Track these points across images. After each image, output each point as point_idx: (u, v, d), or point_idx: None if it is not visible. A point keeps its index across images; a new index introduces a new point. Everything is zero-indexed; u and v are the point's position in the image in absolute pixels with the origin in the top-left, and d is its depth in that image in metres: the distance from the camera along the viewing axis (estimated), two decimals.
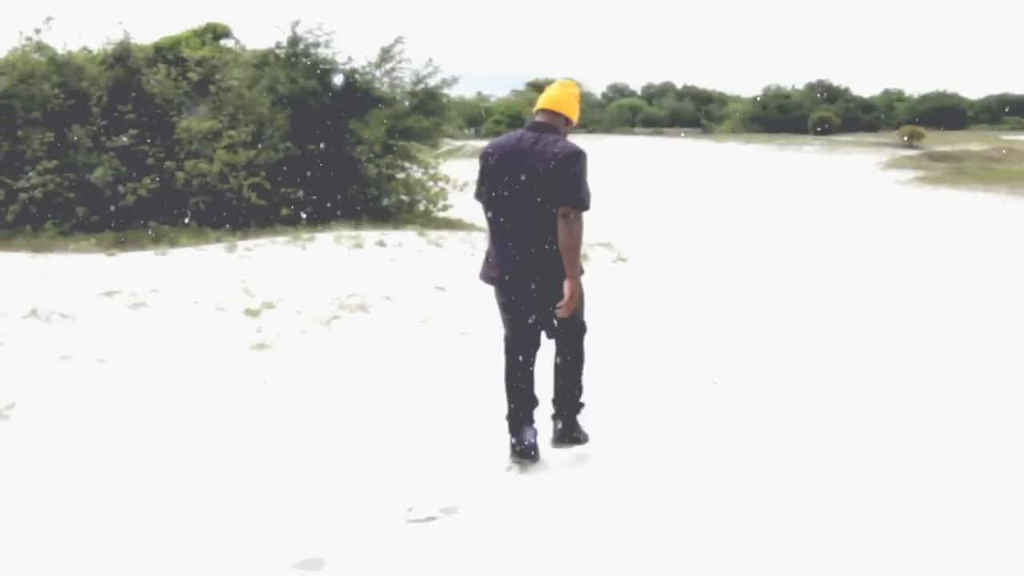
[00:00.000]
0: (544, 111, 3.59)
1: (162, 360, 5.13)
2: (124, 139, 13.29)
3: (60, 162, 12.89)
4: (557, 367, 3.66)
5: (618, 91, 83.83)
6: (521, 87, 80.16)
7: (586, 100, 75.66)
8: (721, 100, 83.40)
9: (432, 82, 16.45)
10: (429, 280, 7.93)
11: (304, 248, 9.23)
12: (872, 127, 71.61)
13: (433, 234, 10.94)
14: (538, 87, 78.10)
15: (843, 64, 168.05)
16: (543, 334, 3.66)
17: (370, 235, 10.33)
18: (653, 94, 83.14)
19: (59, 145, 13.18)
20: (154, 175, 13.27)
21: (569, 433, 3.68)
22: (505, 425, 3.66)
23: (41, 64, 13.60)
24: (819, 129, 67.28)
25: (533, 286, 3.46)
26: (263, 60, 14.54)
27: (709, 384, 4.87)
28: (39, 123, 13.42)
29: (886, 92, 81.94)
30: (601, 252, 10.34)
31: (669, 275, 9.64)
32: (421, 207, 16.26)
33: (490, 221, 3.58)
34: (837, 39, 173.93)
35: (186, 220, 13.39)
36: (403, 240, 10.04)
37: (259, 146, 14.14)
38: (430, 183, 16.61)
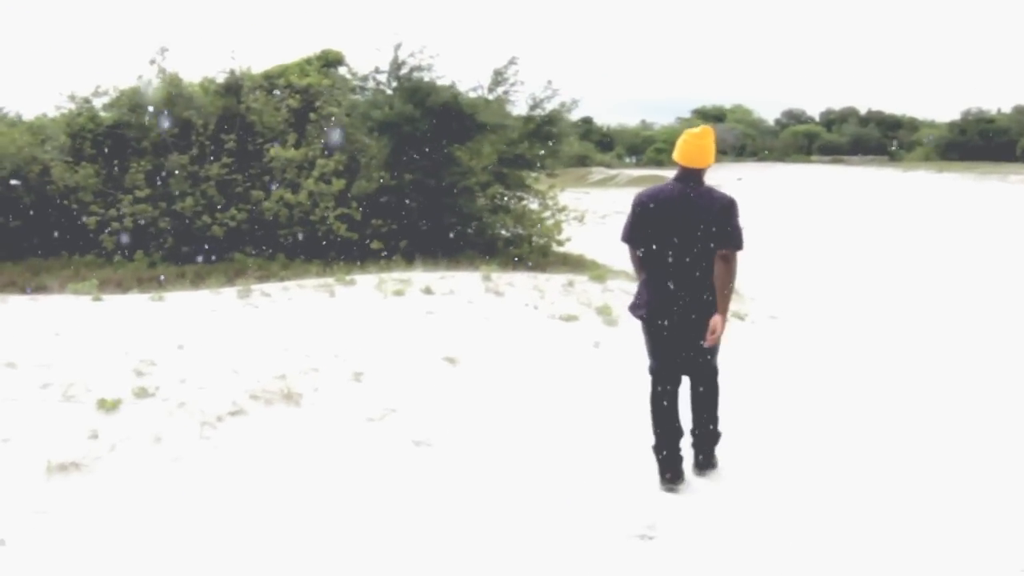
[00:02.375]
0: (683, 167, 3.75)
1: None
2: (216, 168, 12.64)
3: (154, 192, 12.43)
4: (694, 402, 3.91)
5: (793, 117, 78.01)
6: (687, 114, 76.89)
7: (757, 127, 71.85)
8: (912, 125, 75.32)
9: (550, 106, 14.74)
10: (442, 346, 6.09)
11: (332, 295, 7.71)
12: None
13: (506, 277, 9.09)
14: (705, 115, 74.68)
15: None
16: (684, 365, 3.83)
17: (427, 278, 8.66)
18: (833, 120, 76.52)
19: (157, 174, 12.76)
20: (242, 205, 12.48)
21: (708, 461, 3.98)
22: (651, 457, 3.87)
23: (149, 94, 13.32)
24: None
25: (682, 321, 3.68)
26: (361, 86, 13.45)
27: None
28: (146, 153, 13.12)
29: None
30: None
31: (802, 339, 7.23)
32: (536, 241, 14.41)
33: (644, 262, 3.82)
34: None
35: (271, 253, 12.49)
36: (457, 286, 8.27)
37: (354, 176, 13.03)
38: (546, 215, 14.82)
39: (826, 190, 34.40)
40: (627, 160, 61.39)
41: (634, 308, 3.93)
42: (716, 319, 3.59)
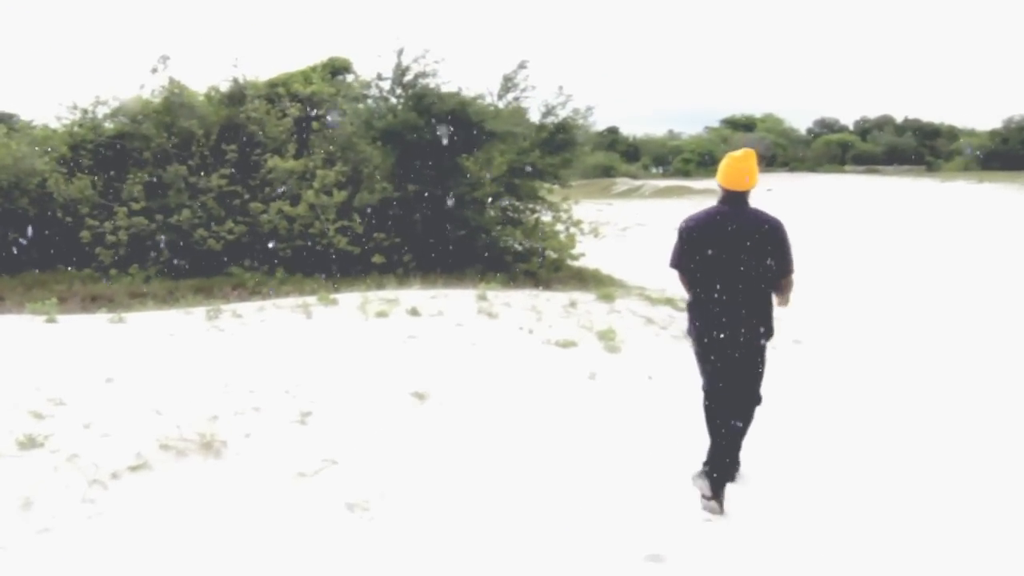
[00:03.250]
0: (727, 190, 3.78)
1: None
2: (215, 179, 12.14)
3: (150, 204, 11.96)
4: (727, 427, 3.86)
5: (826, 126, 76.06)
6: (716, 123, 75.36)
7: (787, 136, 69.89)
8: (951, 134, 72.97)
9: (563, 113, 14.01)
10: (414, 378, 5.38)
11: (309, 316, 7.05)
12: None
13: (504, 296, 8.36)
14: (735, 124, 73.21)
15: None
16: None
17: (418, 297, 7.97)
18: (867, 128, 74.46)
19: (156, 186, 12.29)
20: (240, 218, 11.96)
21: (719, 487, 3.79)
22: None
23: (150, 104, 12.89)
24: None
25: (729, 344, 3.70)
26: (365, 93, 12.86)
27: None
28: (147, 164, 12.68)
29: None
30: None
31: (826, 367, 6.39)
32: (548, 255, 13.63)
33: (694, 285, 3.83)
34: None
35: (270, 267, 11.93)
36: (448, 307, 7.56)
37: (357, 187, 12.44)
38: (559, 228, 14.07)
39: (859, 202, 33.09)
40: (653, 171, 60.28)
41: (689, 329, 3.97)
42: (784, 283, 3.69)
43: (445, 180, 12.61)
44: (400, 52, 12.65)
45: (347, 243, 11.86)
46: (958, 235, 21.21)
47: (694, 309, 3.84)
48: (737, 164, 3.72)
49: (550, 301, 8.21)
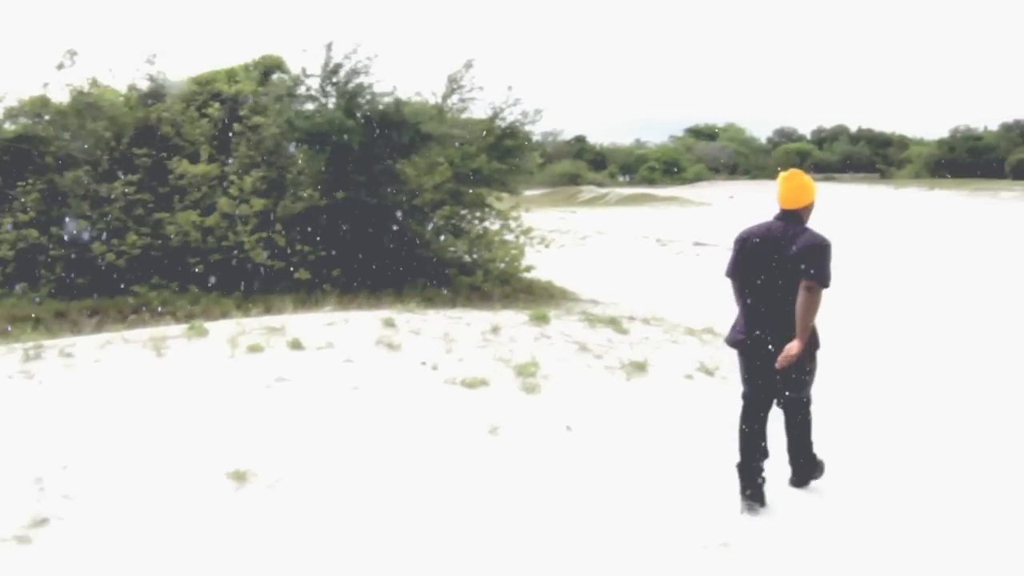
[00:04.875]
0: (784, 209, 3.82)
1: None
2: (120, 186, 10.49)
3: (43, 214, 10.28)
4: (787, 430, 3.95)
5: (785, 135, 75.49)
6: (680, 133, 74.30)
7: (749, 145, 69.75)
8: (902, 143, 72.81)
9: (511, 116, 12.55)
10: (243, 448, 3.87)
11: (160, 354, 5.48)
12: None
13: (417, 319, 6.86)
14: (698, 133, 72.37)
15: None
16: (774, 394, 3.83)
17: (311, 324, 6.46)
18: (824, 138, 74.03)
19: (54, 195, 10.61)
20: (145, 230, 10.32)
21: (801, 480, 3.99)
22: (734, 476, 3.77)
23: (52, 105, 11.21)
24: (1018, 174, 56.19)
25: (767, 351, 3.65)
26: (291, 92, 11.28)
27: None
28: (49, 169, 10.98)
29: None
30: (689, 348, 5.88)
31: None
32: (496, 267, 12.11)
33: (742, 294, 3.83)
34: None
35: (181, 285, 10.30)
36: (342, 336, 6.05)
37: (283, 194, 10.86)
38: (509, 237, 12.59)
39: (818, 208, 32.12)
40: (620, 179, 59.06)
41: (729, 338, 3.98)
42: (793, 344, 3.56)
43: (379, 187, 11.07)
44: (330, 47, 11.13)
45: (267, 257, 10.26)
46: (920, 238, 20.15)
47: (741, 316, 3.85)
48: (783, 184, 3.79)
49: (470, 326, 6.73)
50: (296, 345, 5.72)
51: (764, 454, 3.79)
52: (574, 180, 49.34)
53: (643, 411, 5.17)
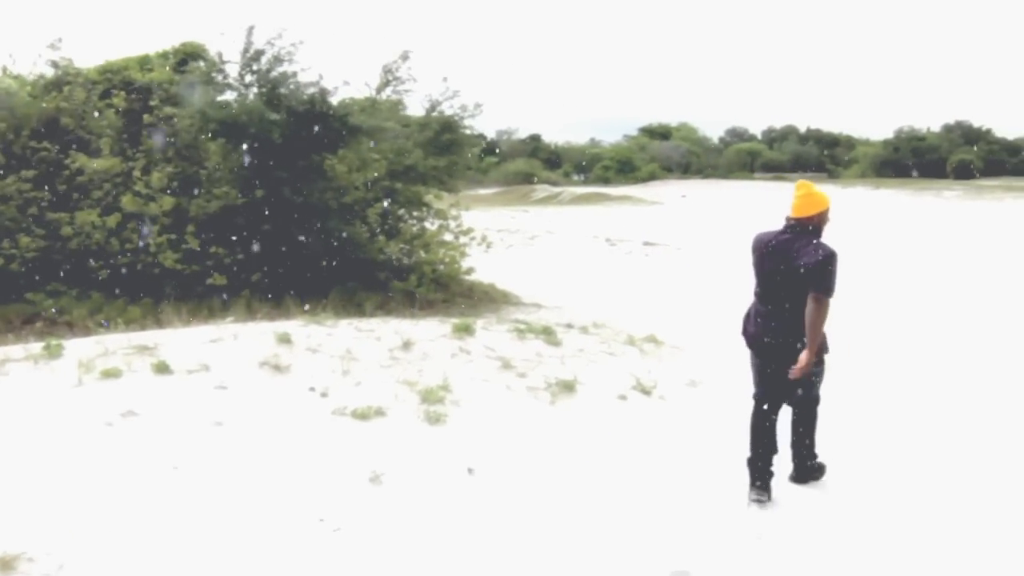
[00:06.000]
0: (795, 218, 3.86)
1: None
2: (12, 183, 9.34)
3: None
4: (793, 427, 4.04)
5: (736, 135, 75.83)
6: (634, 132, 74.07)
7: (702, 145, 69.62)
8: (848, 143, 73.76)
9: (449, 110, 11.71)
10: (21, 523, 2.96)
11: None
12: (1020, 171, 60.24)
13: (321, 333, 5.95)
14: (652, 133, 72.20)
15: (983, 104, 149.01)
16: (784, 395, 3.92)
17: (191, 340, 5.51)
18: (774, 138, 74.60)
19: None
20: (39, 231, 9.20)
21: (802, 477, 4.07)
22: (744, 470, 3.87)
23: None
24: (960, 173, 57.27)
25: (771, 353, 3.80)
26: (204, 79, 10.22)
27: None
28: None
29: None
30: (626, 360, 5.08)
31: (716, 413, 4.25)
32: (434, 269, 11.22)
33: (757, 296, 3.93)
34: (975, 78, 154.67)
35: (81, 292, 9.21)
36: (221, 356, 5.12)
37: (197, 192, 9.83)
38: (448, 238, 11.73)
39: (768, 208, 31.89)
40: (575, 178, 58.48)
41: (744, 331, 4.01)
42: (803, 355, 3.62)
43: (304, 184, 10.11)
44: (251, 31, 10.10)
45: (176, 261, 9.23)
46: (870, 233, 19.86)
47: (756, 315, 3.90)
48: (795, 194, 3.84)
49: (380, 340, 5.85)
50: (162, 368, 4.78)
51: (774, 449, 3.86)
52: (528, 179, 48.56)
53: (564, 444, 4.39)
